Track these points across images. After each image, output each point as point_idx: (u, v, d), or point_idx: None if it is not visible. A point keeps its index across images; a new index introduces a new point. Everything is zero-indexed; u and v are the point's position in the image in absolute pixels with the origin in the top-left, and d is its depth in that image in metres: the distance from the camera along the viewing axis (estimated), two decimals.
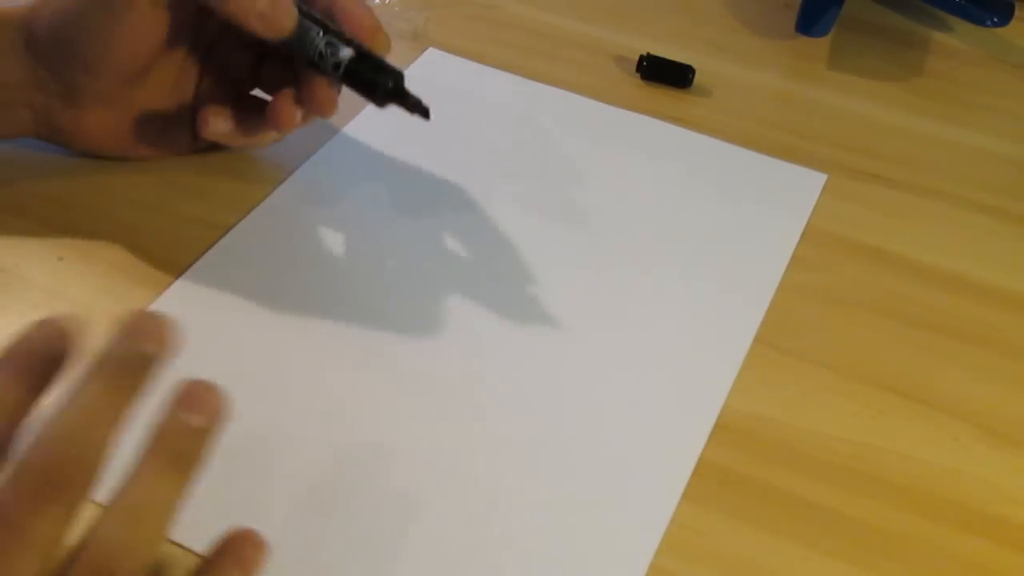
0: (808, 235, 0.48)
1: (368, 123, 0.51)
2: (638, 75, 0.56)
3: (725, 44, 0.59)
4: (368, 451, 0.38)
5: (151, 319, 0.30)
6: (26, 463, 0.29)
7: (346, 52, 0.41)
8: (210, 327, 0.41)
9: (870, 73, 0.58)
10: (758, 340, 0.43)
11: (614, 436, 0.39)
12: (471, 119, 0.53)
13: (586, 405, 0.40)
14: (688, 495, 0.37)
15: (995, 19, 0.59)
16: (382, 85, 0.42)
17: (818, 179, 0.50)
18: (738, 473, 0.38)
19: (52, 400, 0.31)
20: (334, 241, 0.46)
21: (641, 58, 0.56)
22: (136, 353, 0.30)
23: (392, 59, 0.56)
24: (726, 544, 0.36)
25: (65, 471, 0.29)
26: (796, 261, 0.46)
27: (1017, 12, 0.60)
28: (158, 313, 0.30)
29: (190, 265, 0.44)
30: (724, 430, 0.39)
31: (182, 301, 0.42)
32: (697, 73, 0.56)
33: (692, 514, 0.37)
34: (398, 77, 0.42)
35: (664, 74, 0.56)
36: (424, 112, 0.42)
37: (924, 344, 0.43)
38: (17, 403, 0.31)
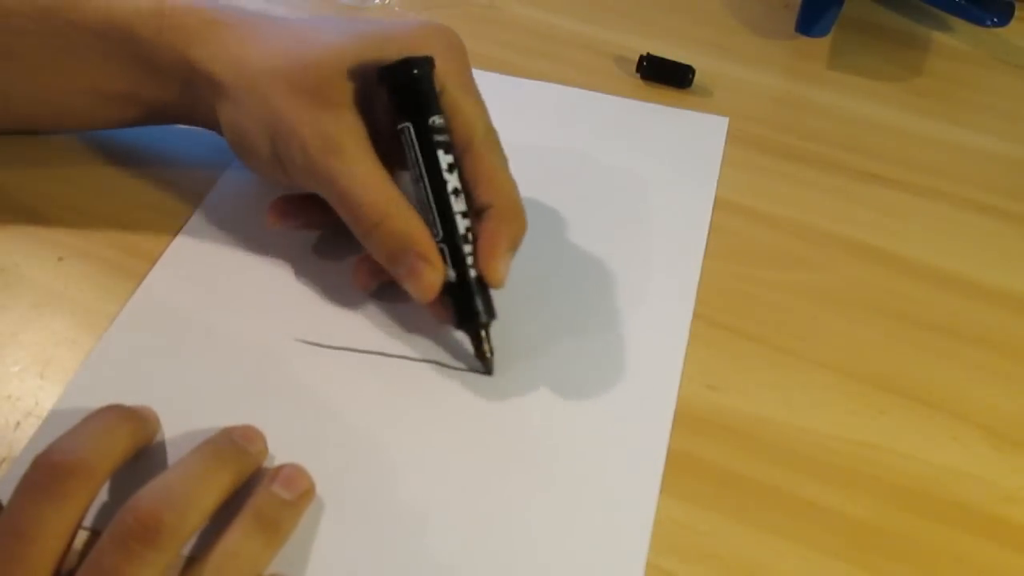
0: (808, 234, 0.48)
1: None
2: (638, 75, 0.56)
3: (725, 44, 0.60)
4: (346, 452, 0.38)
5: (255, 432, 0.36)
6: (125, 511, 0.32)
7: (450, 274, 0.39)
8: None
9: (870, 73, 0.58)
10: (758, 339, 0.43)
11: (583, 439, 0.39)
12: None
13: (565, 400, 0.40)
14: (688, 495, 0.37)
15: (995, 19, 0.59)
16: (469, 323, 0.40)
17: (720, 122, 0.52)
18: (738, 473, 0.38)
19: None
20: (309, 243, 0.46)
21: (641, 58, 0.56)
22: (237, 445, 0.36)
23: None
24: (726, 544, 0.36)
25: (161, 519, 0.31)
26: (795, 260, 0.46)
27: (1017, 12, 0.60)
28: (251, 427, 0.36)
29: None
30: (724, 430, 0.39)
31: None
32: (697, 73, 0.56)
33: (692, 514, 0.37)
34: (487, 324, 0.40)
35: (664, 74, 0.56)
36: (487, 370, 0.40)
37: (924, 344, 0.43)
38: (124, 438, 0.35)
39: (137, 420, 0.36)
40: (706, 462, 0.38)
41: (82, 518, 0.32)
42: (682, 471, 0.38)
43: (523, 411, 0.39)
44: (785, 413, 0.40)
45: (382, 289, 0.43)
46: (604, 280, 0.44)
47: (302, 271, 0.44)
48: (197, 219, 0.46)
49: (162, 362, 0.40)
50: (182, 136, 0.49)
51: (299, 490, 0.35)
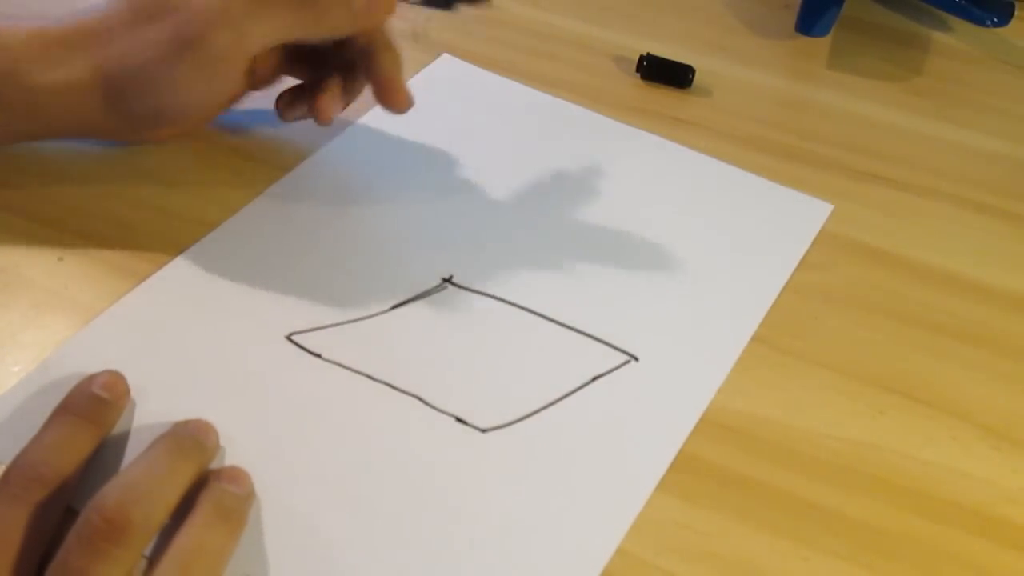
0: None
1: (369, 126, 0.52)
2: (638, 75, 0.56)
3: (725, 44, 0.60)
4: (345, 444, 0.38)
5: (208, 426, 0.36)
6: (90, 510, 0.32)
7: None
8: (181, 321, 0.42)
9: (870, 73, 0.58)
10: (758, 340, 0.43)
11: (594, 426, 0.39)
12: (478, 128, 0.52)
13: (573, 398, 0.40)
14: (688, 495, 0.37)
15: (995, 19, 0.59)
16: None
17: (823, 208, 0.49)
18: (738, 473, 0.38)
19: None
20: (321, 240, 0.46)
21: (641, 58, 0.56)
22: (195, 438, 0.36)
23: None
24: (727, 544, 0.36)
25: (129, 516, 0.31)
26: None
27: (1017, 12, 0.60)
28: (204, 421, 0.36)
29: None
30: (724, 430, 0.39)
31: (156, 294, 0.43)
32: (697, 73, 0.56)
33: (693, 514, 0.37)
34: None
35: (664, 74, 0.56)
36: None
37: (924, 344, 0.43)
38: (84, 442, 0.35)
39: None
40: (706, 462, 0.38)
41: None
42: (683, 471, 0.38)
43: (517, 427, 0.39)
44: (785, 413, 0.40)
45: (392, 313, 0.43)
46: (662, 285, 0.45)
47: (314, 296, 0.43)
48: (217, 235, 0.45)
49: (141, 356, 0.40)
50: (196, 143, 0.49)
51: (247, 487, 0.35)
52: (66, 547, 0.31)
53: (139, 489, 0.32)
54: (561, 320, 0.43)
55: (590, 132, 0.53)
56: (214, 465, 0.36)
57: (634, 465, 0.38)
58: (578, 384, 0.40)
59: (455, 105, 0.54)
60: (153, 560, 0.32)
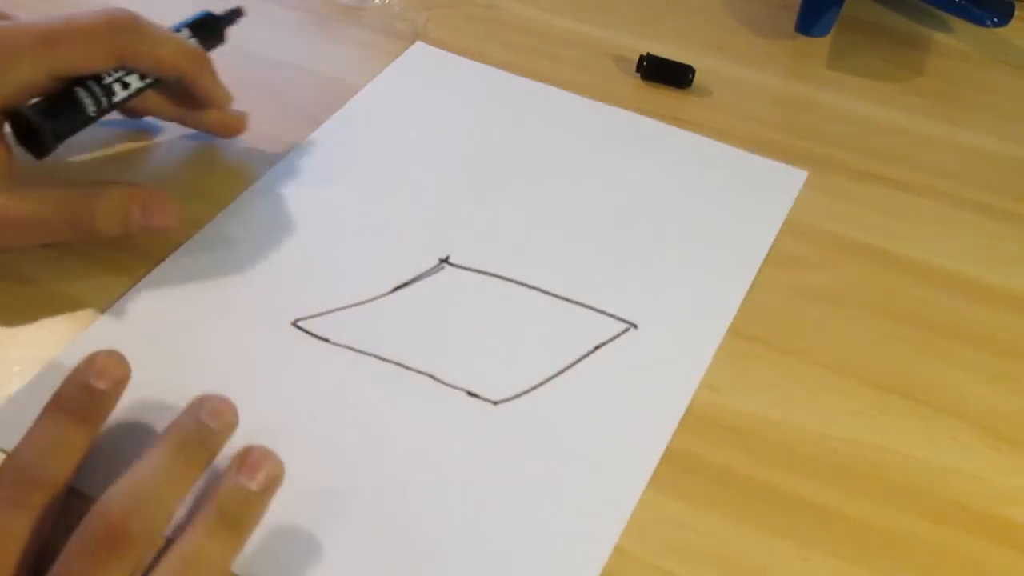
0: (808, 234, 0.48)
1: (359, 111, 0.52)
2: (638, 75, 0.56)
3: (725, 44, 0.59)
4: (360, 425, 0.38)
5: (225, 404, 0.35)
6: (92, 516, 0.31)
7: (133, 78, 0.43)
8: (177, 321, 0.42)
9: (870, 73, 0.58)
10: (758, 340, 0.43)
11: (602, 391, 0.40)
12: (452, 113, 0.53)
13: (559, 392, 0.40)
14: (688, 495, 0.37)
15: (995, 19, 0.59)
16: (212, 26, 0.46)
17: (799, 175, 0.50)
18: (738, 473, 0.38)
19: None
20: (315, 227, 0.46)
21: (641, 58, 0.56)
22: (203, 433, 0.34)
23: (391, 59, 0.56)
24: (726, 544, 0.36)
25: (128, 525, 0.31)
26: (795, 260, 0.46)
27: (1017, 12, 0.60)
28: (218, 398, 0.35)
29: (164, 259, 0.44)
30: (724, 430, 0.39)
31: (157, 292, 0.43)
32: (697, 73, 0.56)
33: (693, 514, 0.37)
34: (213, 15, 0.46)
35: (664, 74, 0.56)
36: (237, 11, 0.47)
37: (924, 344, 0.43)
38: (78, 442, 0.34)
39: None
40: (706, 462, 0.38)
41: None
42: (682, 471, 0.38)
43: (527, 399, 0.40)
44: (785, 413, 0.40)
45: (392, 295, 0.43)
46: (642, 278, 0.45)
47: (315, 282, 0.43)
48: (213, 226, 0.45)
49: (148, 351, 0.40)
50: (185, 141, 0.49)
51: (266, 477, 0.34)
52: (68, 552, 0.31)
53: (141, 497, 0.32)
54: (558, 293, 0.43)
55: (567, 111, 0.53)
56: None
57: (644, 425, 0.39)
58: (582, 353, 0.41)
59: (435, 91, 0.54)
60: (152, 565, 0.32)
